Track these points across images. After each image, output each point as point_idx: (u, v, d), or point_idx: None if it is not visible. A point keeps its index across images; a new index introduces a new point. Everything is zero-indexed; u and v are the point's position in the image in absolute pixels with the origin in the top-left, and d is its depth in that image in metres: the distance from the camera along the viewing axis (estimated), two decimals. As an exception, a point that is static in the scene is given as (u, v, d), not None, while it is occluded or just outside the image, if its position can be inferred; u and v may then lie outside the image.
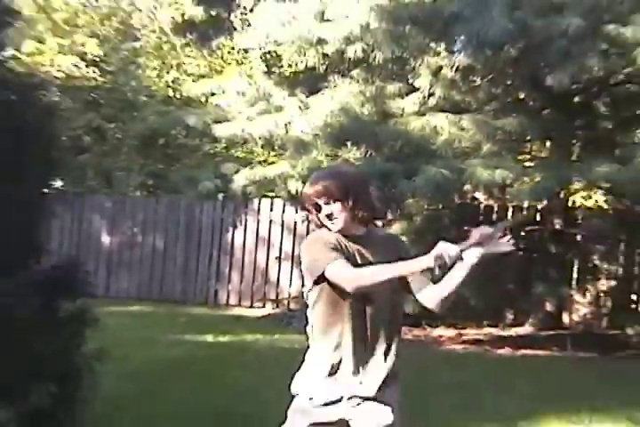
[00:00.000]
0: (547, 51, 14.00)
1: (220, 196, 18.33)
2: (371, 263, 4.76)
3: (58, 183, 8.54)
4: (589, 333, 16.28)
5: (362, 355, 4.82)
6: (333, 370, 4.85)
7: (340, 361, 4.83)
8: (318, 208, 4.90)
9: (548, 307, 16.41)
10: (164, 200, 19.53)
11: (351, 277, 4.67)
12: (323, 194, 4.84)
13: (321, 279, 4.79)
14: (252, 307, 18.81)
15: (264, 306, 18.71)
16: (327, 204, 4.85)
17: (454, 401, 10.47)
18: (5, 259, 7.34)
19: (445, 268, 4.58)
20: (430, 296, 4.86)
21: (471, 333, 16.17)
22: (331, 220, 4.87)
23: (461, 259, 4.55)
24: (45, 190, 8.44)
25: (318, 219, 4.96)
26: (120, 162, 22.91)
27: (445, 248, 4.47)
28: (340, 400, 4.84)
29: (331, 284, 4.75)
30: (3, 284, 7.21)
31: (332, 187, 4.82)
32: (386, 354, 4.86)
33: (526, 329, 16.27)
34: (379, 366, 4.84)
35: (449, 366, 13.40)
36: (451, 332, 16.17)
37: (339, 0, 15.84)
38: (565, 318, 16.85)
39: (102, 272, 18.98)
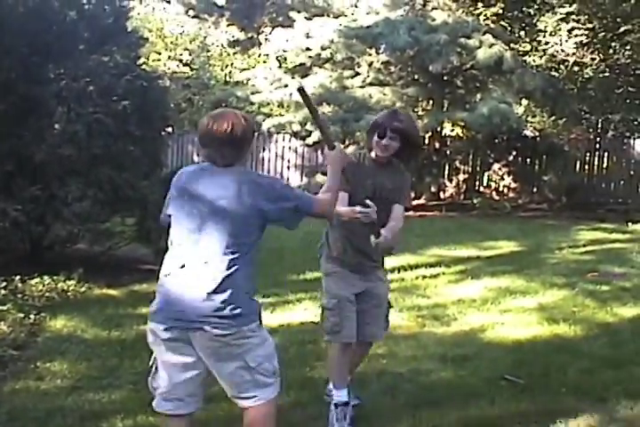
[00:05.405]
0: (429, 52, 14.00)
1: (255, 133, 18.19)
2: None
3: (169, 129, 8.57)
4: (454, 202, 16.29)
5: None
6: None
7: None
8: (383, 135, 3.90)
9: (432, 189, 16.42)
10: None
11: None
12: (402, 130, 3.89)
13: None
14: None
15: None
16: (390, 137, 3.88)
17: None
18: (145, 169, 7.44)
19: None
20: None
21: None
22: (382, 146, 3.93)
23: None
24: (162, 132, 8.48)
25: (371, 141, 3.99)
26: (200, 116, 22.83)
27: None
28: None
29: None
30: (144, 182, 7.30)
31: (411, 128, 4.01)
32: None
33: (420, 201, 16.26)
34: None
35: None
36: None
37: (316, 24, 15.62)
38: (442, 195, 16.83)
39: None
